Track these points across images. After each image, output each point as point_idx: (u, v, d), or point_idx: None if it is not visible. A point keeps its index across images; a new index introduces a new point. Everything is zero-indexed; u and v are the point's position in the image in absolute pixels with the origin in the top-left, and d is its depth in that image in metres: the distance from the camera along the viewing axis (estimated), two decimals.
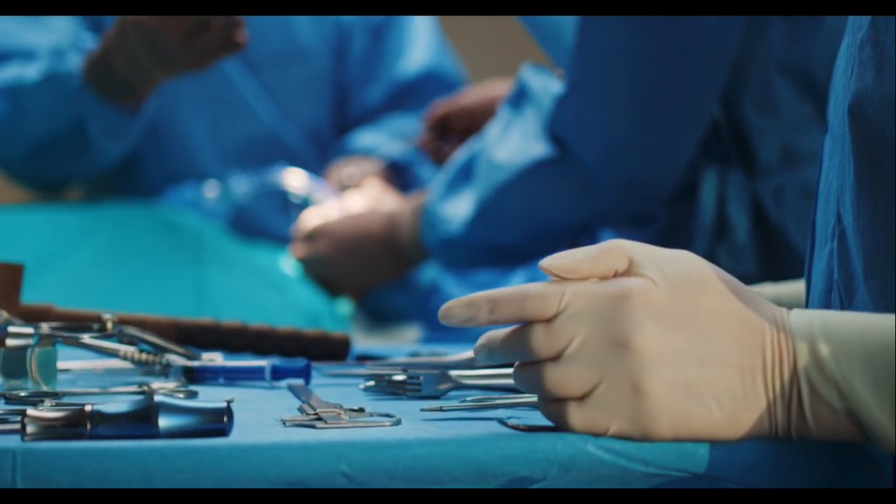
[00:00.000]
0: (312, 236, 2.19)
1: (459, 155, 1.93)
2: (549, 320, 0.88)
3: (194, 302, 2.01)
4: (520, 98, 1.81)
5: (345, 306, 2.22)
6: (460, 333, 2.18)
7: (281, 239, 2.30)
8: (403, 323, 2.31)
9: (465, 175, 1.89)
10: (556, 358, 0.88)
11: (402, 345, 2.08)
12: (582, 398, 0.88)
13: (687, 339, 0.87)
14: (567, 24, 1.62)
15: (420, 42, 2.49)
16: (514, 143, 1.78)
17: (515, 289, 0.89)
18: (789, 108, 1.66)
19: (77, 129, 2.05)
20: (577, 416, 0.88)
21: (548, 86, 1.76)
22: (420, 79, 2.48)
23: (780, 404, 0.88)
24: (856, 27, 1.02)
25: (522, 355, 0.90)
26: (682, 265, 0.90)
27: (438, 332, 2.22)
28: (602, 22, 1.60)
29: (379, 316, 2.30)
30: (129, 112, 2.01)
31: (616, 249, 0.90)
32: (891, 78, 0.97)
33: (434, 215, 1.91)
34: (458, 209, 1.88)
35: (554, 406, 0.89)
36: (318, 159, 2.43)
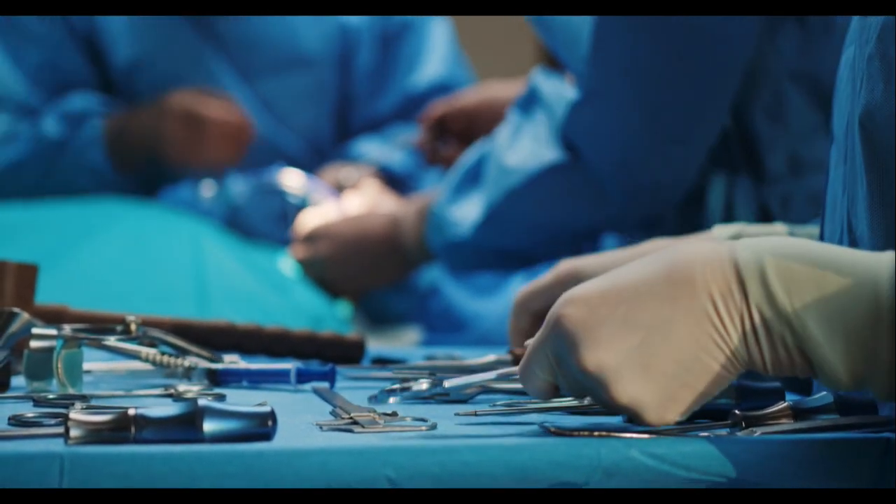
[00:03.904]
0: (312, 237, 2.18)
1: (466, 158, 1.93)
2: None
3: (196, 303, 2.00)
4: (530, 102, 1.81)
5: (344, 308, 2.22)
6: (461, 335, 2.19)
7: (278, 239, 2.29)
8: (403, 324, 2.30)
9: (473, 178, 1.89)
10: None
11: (406, 347, 2.09)
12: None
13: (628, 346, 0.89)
14: (581, 31, 1.63)
15: (436, 54, 2.47)
16: (524, 148, 1.78)
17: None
18: (799, 117, 1.67)
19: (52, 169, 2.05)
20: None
21: (559, 91, 1.76)
22: (432, 90, 2.45)
23: (740, 350, 0.89)
24: (863, 41, 1.04)
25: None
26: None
27: (438, 333, 2.22)
28: (617, 32, 1.60)
29: (378, 318, 2.30)
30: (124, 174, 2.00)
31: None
32: None
33: (442, 218, 1.91)
34: (467, 212, 1.87)
35: None
36: (318, 167, 2.41)
